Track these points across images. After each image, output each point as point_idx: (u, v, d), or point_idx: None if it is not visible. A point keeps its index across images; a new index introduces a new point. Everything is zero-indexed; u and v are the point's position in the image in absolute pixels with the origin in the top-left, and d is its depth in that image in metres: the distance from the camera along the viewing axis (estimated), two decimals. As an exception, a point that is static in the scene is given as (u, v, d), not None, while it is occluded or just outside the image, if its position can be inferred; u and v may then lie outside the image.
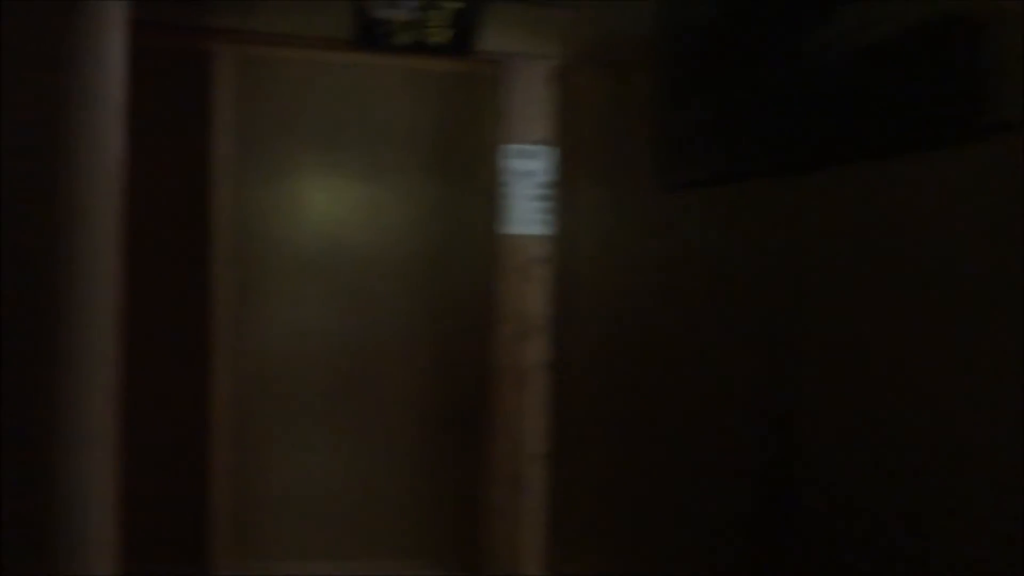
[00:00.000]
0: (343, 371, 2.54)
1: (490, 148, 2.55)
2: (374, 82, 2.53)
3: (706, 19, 1.41)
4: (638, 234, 1.86)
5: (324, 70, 2.51)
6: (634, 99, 1.92)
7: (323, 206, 2.52)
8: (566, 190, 2.52)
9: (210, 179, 2.43)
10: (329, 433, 2.54)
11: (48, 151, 1.23)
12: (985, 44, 0.80)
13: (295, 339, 2.51)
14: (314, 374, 2.52)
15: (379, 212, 2.53)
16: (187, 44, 2.44)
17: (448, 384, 2.58)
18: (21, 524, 1.23)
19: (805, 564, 1.16)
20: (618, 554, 2.03)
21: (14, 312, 1.22)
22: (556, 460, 2.54)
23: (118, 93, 1.36)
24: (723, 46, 1.36)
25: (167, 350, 2.44)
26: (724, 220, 1.41)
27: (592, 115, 2.30)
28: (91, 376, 1.29)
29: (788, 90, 1.13)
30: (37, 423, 1.24)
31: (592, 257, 2.32)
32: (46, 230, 1.22)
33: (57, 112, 1.25)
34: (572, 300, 2.50)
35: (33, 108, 1.23)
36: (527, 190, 2.51)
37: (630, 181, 1.92)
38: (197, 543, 2.43)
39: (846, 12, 1.02)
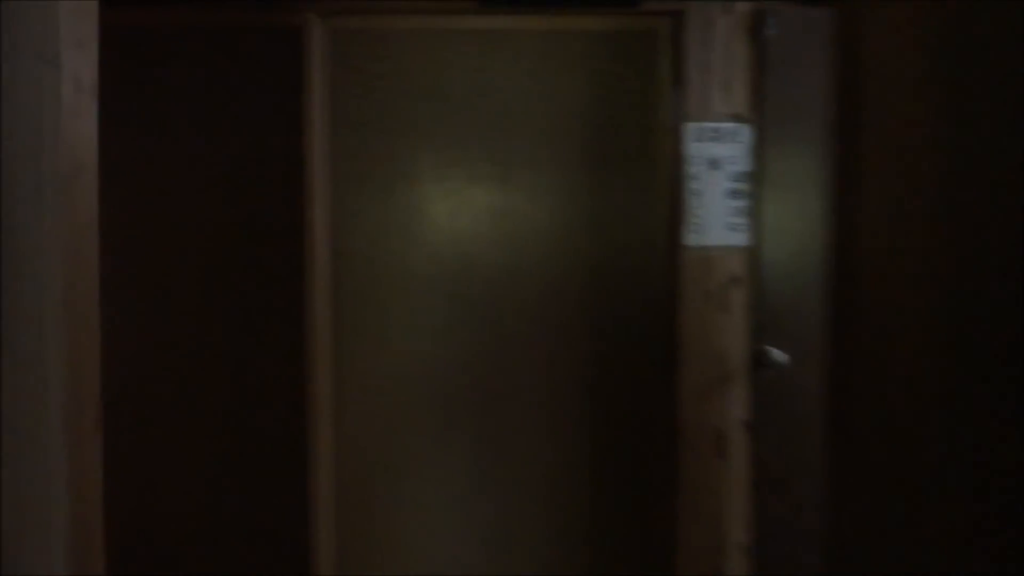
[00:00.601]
0: (472, 427, 1.94)
1: (664, 131, 1.89)
2: (506, 53, 1.92)
3: None
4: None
5: (441, 41, 1.93)
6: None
7: (443, 217, 1.93)
8: (778, 181, 1.83)
9: (303, 186, 1.90)
10: (456, 508, 1.94)
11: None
12: None
13: (409, 386, 1.93)
14: (435, 429, 1.94)
15: (515, 222, 1.92)
16: (270, 20, 1.91)
17: (614, 447, 1.94)
18: None
19: None
20: None
21: None
22: (769, 554, 1.86)
23: (85, 73, 0.80)
24: None
25: (250, 404, 1.92)
26: None
27: (879, 69, 1.61)
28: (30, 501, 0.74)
29: None
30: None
31: (869, 271, 1.64)
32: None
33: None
34: (795, 332, 1.80)
35: None
36: (719, 184, 1.83)
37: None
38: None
39: None
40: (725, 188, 1.83)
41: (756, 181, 1.82)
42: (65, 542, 0.77)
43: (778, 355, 1.78)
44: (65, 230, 0.76)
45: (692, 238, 1.83)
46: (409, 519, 1.95)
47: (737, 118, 1.83)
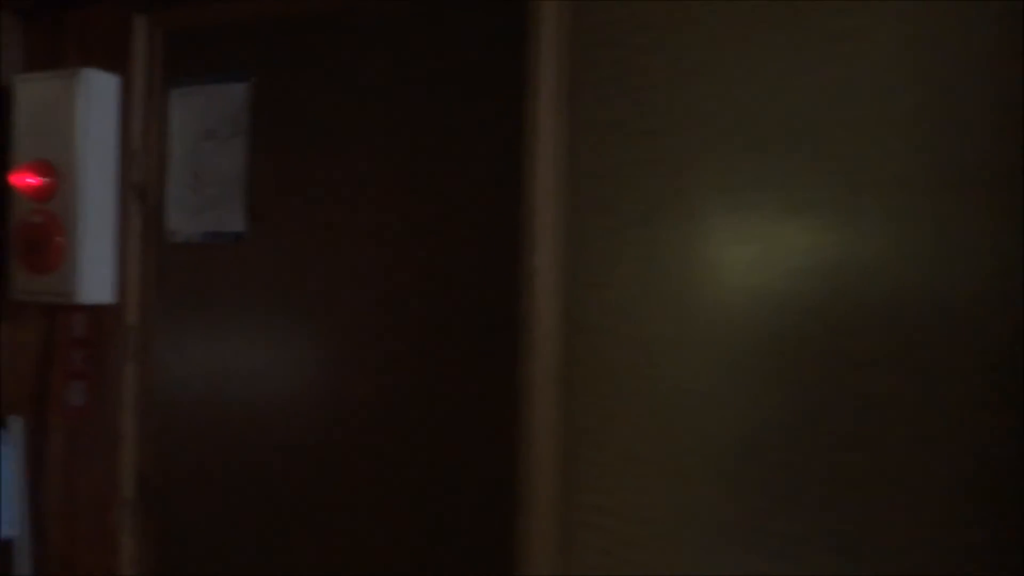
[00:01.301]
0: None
1: None
2: (854, 23, 1.17)
3: None
4: None
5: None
6: None
7: (740, 271, 1.21)
8: None
9: (521, 221, 1.27)
10: None
11: None
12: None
13: (674, 540, 1.22)
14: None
15: (866, 279, 1.15)
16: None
17: None
18: None
19: None
20: None
21: None
22: None
23: None
24: None
25: (440, 541, 1.31)
26: None
27: None
28: None
29: None
30: None
31: None
32: None
33: None
34: None
35: None
36: None
37: None
38: None
39: None
40: None
41: None
42: None
43: None
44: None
45: None
46: None
47: None
